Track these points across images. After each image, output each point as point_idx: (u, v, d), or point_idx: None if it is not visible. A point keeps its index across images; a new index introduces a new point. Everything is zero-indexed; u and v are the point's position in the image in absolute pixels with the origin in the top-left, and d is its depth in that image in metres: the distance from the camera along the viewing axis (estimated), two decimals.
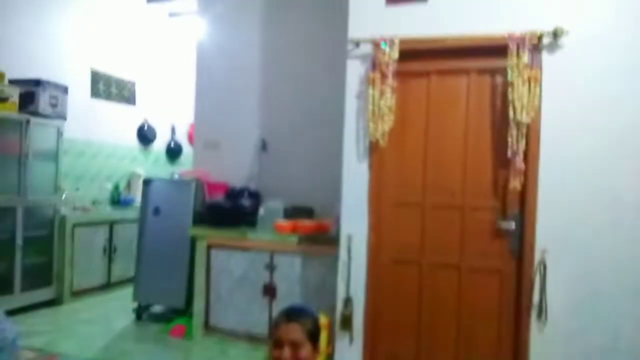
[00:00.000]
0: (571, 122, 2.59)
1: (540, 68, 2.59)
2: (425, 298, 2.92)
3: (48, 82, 4.46)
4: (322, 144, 4.03)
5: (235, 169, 4.39)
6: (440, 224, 2.88)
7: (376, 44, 2.80)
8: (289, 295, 3.61)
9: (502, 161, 2.72)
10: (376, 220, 2.95)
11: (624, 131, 2.53)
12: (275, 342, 1.71)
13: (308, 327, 1.73)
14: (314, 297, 3.50)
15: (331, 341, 3.02)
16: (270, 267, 3.68)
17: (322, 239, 3.50)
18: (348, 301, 2.96)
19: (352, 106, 2.97)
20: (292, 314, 1.77)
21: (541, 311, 2.60)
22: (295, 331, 1.70)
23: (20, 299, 4.25)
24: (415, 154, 2.93)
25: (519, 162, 2.60)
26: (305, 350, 1.69)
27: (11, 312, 4.10)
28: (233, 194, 4.10)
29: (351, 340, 2.95)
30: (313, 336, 1.73)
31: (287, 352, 1.68)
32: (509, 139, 2.61)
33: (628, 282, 2.51)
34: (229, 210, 3.93)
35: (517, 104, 2.55)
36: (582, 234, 2.58)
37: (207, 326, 3.85)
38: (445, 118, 2.88)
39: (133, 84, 6.08)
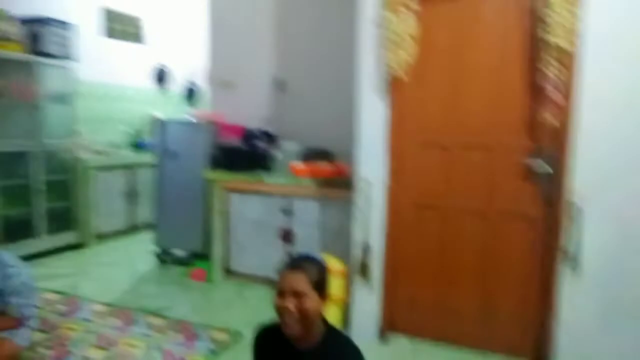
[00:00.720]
0: (620, 48, 2.24)
1: None
2: (448, 245, 2.74)
3: (54, 20, 4.27)
4: (342, 83, 3.76)
5: (252, 111, 4.20)
6: (466, 165, 2.65)
7: None
8: (306, 240, 3.52)
9: (537, 95, 2.42)
10: (396, 163, 2.74)
11: None
12: (279, 291, 1.60)
13: (313, 276, 1.61)
14: (332, 243, 3.39)
15: (349, 288, 2.92)
16: (288, 212, 3.56)
17: (341, 183, 3.33)
18: (366, 248, 2.82)
19: (367, 34, 2.67)
20: (296, 263, 1.65)
21: (574, 260, 2.39)
22: (298, 281, 1.58)
23: (45, 242, 4.32)
24: (439, 89, 2.66)
25: (557, 95, 2.30)
26: (310, 300, 1.58)
27: (36, 255, 4.20)
28: (249, 137, 3.94)
29: (369, 287, 2.84)
30: (319, 286, 1.62)
31: (290, 302, 1.57)
32: (545, 69, 2.30)
33: None
34: (245, 153, 3.78)
35: (556, 27, 2.22)
36: (625, 178, 2.29)
37: (227, 270, 3.83)
38: (473, 47, 2.56)
39: (147, 23, 5.83)
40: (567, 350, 2.44)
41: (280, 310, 1.59)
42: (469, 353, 2.71)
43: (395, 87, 2.65)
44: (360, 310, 2.89)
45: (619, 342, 2.36)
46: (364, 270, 2.83)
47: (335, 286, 2.76)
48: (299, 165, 3.51)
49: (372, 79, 2.70)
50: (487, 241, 2.64)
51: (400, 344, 2.84)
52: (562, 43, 2.23)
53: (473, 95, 2.60)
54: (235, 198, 3.75)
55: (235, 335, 2.90)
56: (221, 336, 2.89)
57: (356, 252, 2.86)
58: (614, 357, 2.37)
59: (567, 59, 2.28)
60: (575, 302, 2.42)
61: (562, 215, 2.40)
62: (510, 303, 2.63)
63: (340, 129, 3.66)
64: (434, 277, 2.80)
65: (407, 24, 2.48)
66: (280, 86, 4.12)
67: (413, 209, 2.79)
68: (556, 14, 2.23)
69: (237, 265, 3.81)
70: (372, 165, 2.76)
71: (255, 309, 3.29)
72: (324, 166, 3.49)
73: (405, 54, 2.52)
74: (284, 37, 4.13)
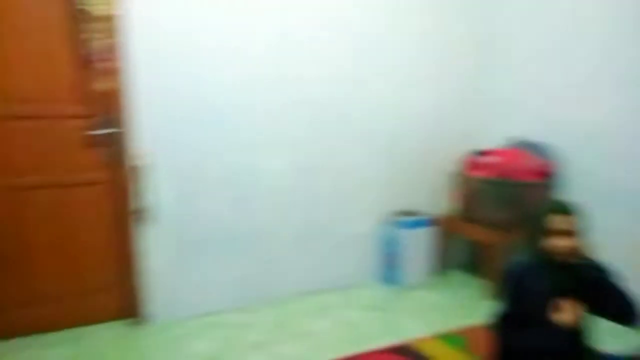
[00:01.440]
0: (166, 9, 2.45)
1: None
2: (20, 227, 2.47)
3: None
4: None
5: None
6: (24, 137, 2.41)
7: None
8: None
9: (86, 63, 2.39)
10: None
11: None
12: None
13: None
14: None
15: None
16: None
17: None
18: None
19: None
20: None
21: (149, 215, 2.59)
22: None
23: None
24: None
25: (105, 61, 2.36)
26: None
27: None
28: None
29: None
30: None
31: None
32: (90, 36, 2.30)
33: (228, 176, 2.75)
34: None
35: None
36: (186, 133, 2.61)
37: None
38: (16, 10, 2.29)
39: None
40: (155, 293, 2.69)
41: None
42: (68, 334, 2.58)
43: None
44: None
45: (191, 274, 2.77)
46: None
47: None
48: None
49: None
50: (62, 214, 2.53)
51: None
52: (102, 10, 2.26)
53: (21, 62, 2.35)
54: None
55: None
56: None
57: None
58: (190, 286, 2.78)
59: (111, 25, 2.33)
60: (156, 251, 2.66)
61: (132, 175, 2.53)
62: (99, 270, 2.63)
63: None
64: (13, 266, 2.49)
65: None
66: None
67: None
68: None
69: None
70: None
71: None
72: None
73: None
74: None
